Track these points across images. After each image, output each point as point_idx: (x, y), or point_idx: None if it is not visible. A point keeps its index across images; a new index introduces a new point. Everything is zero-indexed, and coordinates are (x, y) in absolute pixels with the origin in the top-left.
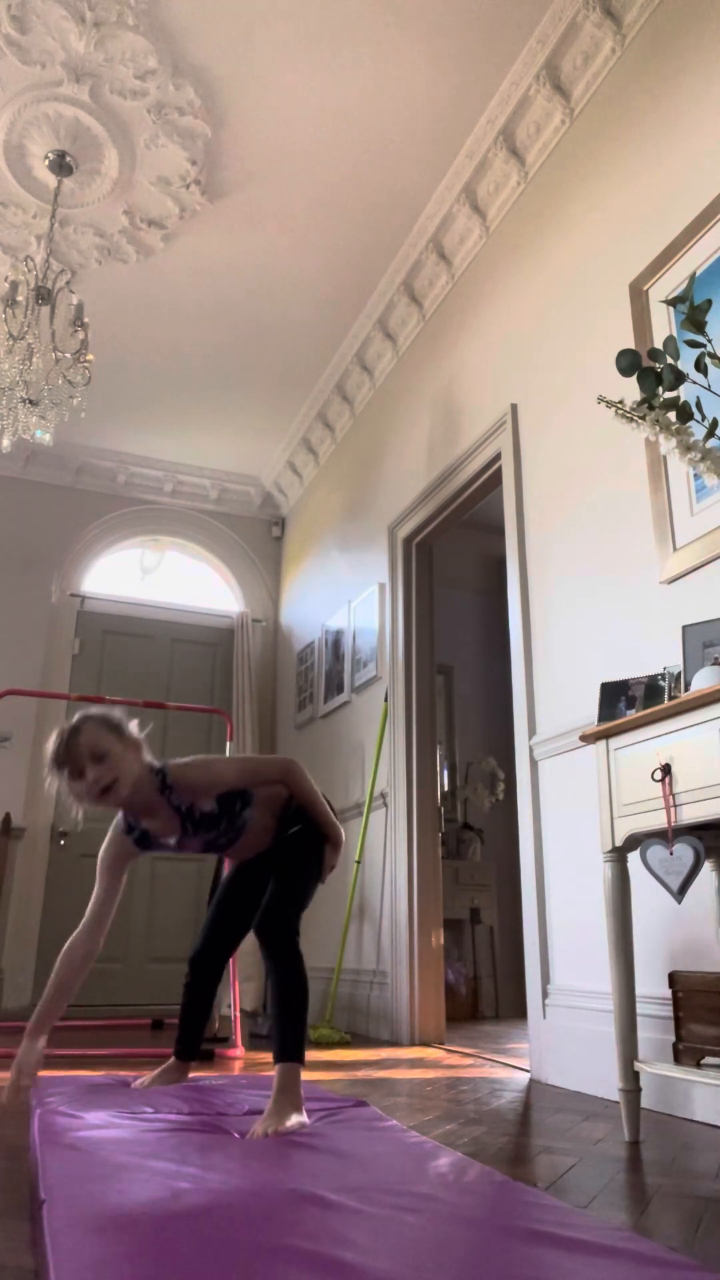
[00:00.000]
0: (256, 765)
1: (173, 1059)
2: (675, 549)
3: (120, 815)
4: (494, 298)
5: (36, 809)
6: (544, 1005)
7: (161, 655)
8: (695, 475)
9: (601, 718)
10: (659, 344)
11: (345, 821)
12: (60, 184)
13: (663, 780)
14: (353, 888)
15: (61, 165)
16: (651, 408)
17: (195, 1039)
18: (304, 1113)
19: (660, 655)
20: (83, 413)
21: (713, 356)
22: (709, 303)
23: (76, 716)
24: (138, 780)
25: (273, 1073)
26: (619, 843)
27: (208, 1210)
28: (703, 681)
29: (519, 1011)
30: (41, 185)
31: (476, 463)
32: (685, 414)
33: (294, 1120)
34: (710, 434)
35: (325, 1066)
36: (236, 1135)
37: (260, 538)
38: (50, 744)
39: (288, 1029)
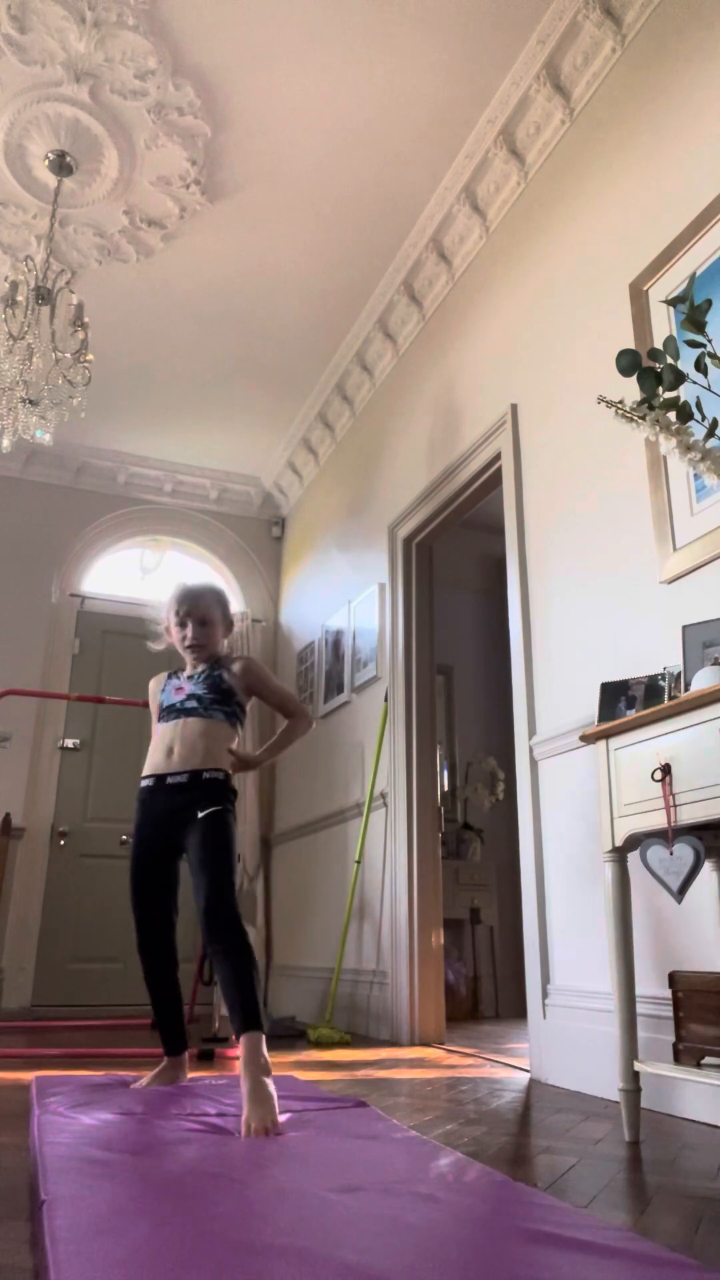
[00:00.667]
0: (287, 696)
1: (166, 1059)
2: (675, 549)
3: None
4: (494, 298)
5: (36, 809)
6: (544, 1005)
7: (161, 655)
8: (695, 475)
9: (601, 718)
10: (659, 344)
11: (345, 821)
12: (60, 184)
13: (663, 780)
14: (353, 888)
15: (61, 165)
16: (651, 408)
17: (179, 1030)
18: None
19: (660, 655)
20: (83, 413)
21: (713, 356)
22: (709, 303)
23: (203, 585)
24: (213, 652)
25: (283, 1074)
26: (619, 843)
27: (207, 1210)
28: (703, 681)
29: (519, 1011)
30: (41, 185)
31: (476, 463)
32: (685, 414)
33: (273, 1090)
34: (710, 434)
35: (325, 1066)
36: (236, 1134)
37: (260, 538)
38: (178, 589)
39: (250, 1001)
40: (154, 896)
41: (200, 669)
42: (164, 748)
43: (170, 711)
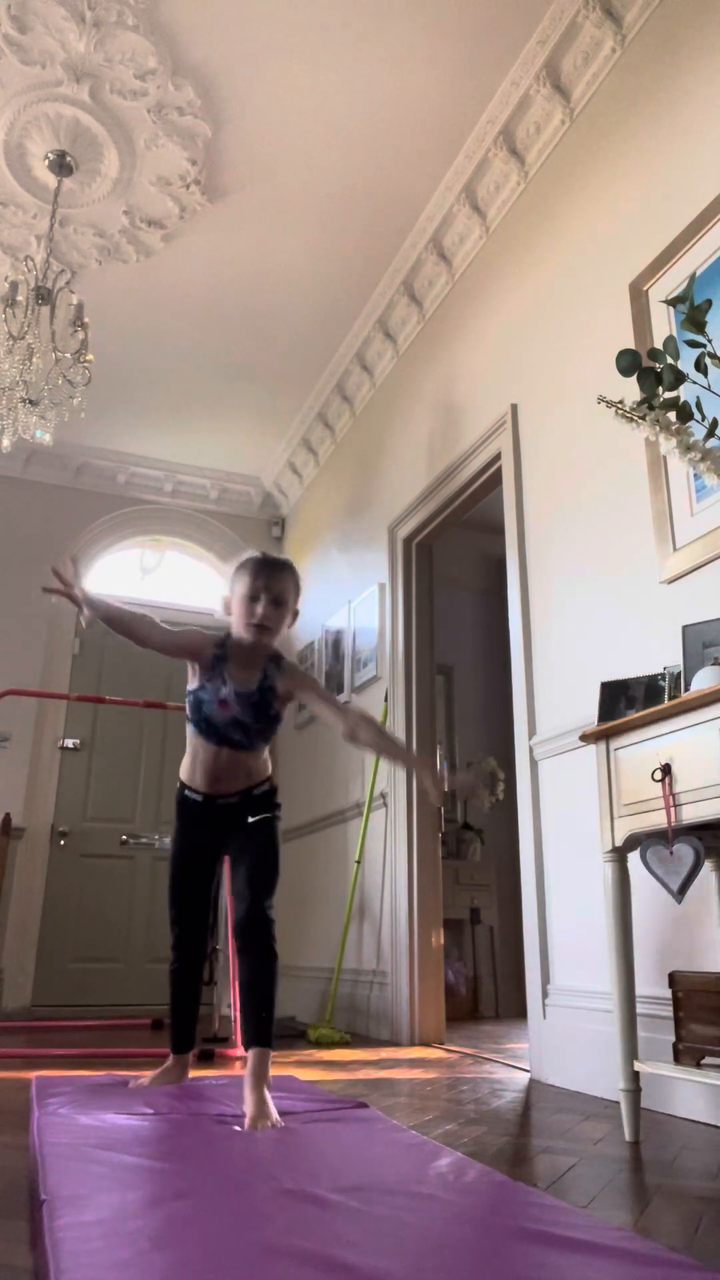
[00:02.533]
0: (331, 700)
1: (172, 1057)
2: (675, 549)
3: (208, 633)
4: (494, 298)
5: (36, 809)
6: (544, 1005)
7: (161, 655)
8: (695, 475)
9: (601, 718)
10: (659, 344)
11: (345, 821)
12: (60, 184)
13: (663, 780)
14: (353, 888)
15: (61, 165)
16: (651, 408)
17: (192, 1029)
18: None
19: (660, 655)
20: (83, 413)
21: (713, 356)
22: (709, 303)
23: (283, 560)
24: (272, 642)
25: (282, 1075)
26: (619, 843)
27: (208, 1210)
28: (703, 681)
29: (519, 1011)
30: (41, 185)
31: (476, 463)
32: (685, 414)
33: (274, 1108)
34: (710, 434)
35: (325, 1066)
36: (237, 1132)
37: (260, 538)
38: (254, 559)
39: (269, 1015)
40: (196, 894)
41: (251, 678)
42: (209, 774)
43: (210, 730)
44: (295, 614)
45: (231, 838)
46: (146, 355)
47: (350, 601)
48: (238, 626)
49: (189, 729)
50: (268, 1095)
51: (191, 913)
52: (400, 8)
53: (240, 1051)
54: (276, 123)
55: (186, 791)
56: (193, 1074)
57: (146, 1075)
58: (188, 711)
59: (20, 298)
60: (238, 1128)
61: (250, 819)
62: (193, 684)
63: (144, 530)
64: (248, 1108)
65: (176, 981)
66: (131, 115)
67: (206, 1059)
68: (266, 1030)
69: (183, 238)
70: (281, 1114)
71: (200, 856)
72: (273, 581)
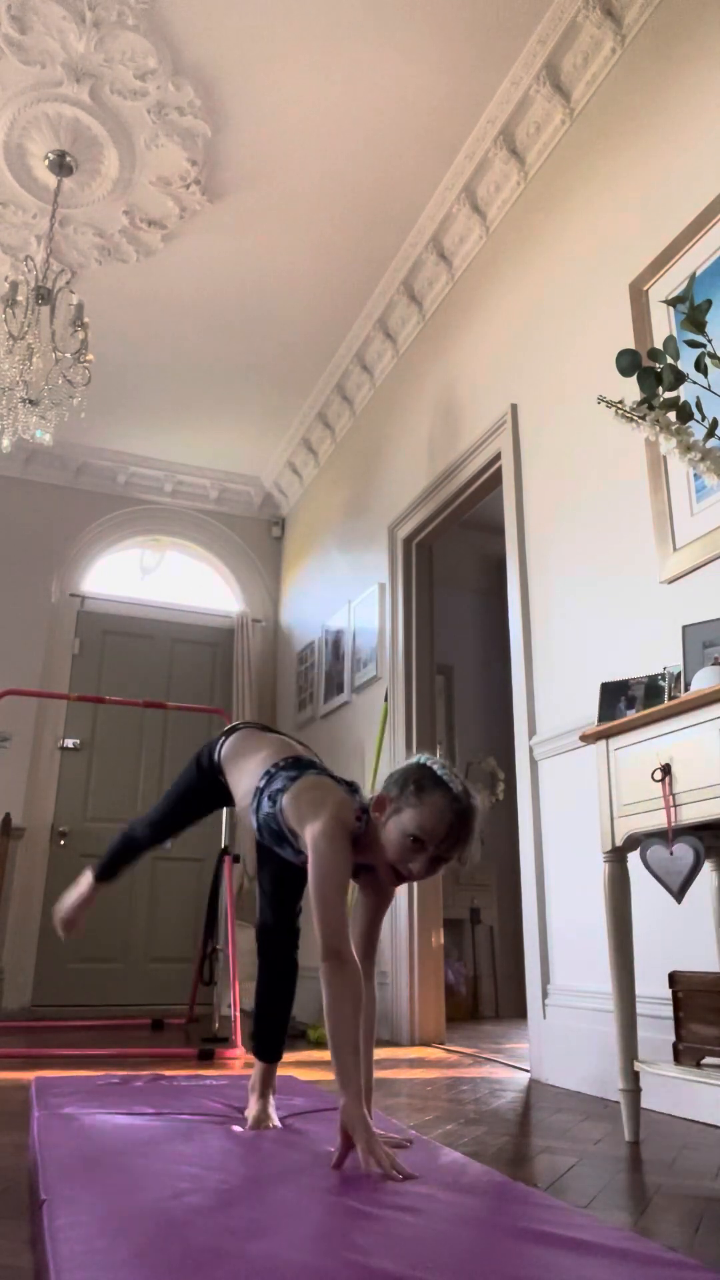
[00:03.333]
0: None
1: (89, 880)
2: (675, 549)
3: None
4: (494, 298)
5: (36, 809)
6: (544, 1005)
7: (161, 655)
8: (695, 475)
9: (601, 718)
10: (659, 344)
11: None
12: (60, 184)
13: (663, 780)
14: (352, 888)
15: (61, 165)
16: (651, 408)
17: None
18: None
19: (660, 655)
20: (83, 413)
21: (713, 356)
22: (709, 303)
23: (477, 803)
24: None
25: (283, 1075)
26: (619, 843)
27: (208, 1211)
28: (703, 681)
29: (519, 1011)
30: (41, 185)
31: (476, 463)
32: (685, 414)
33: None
34: (710, 434)
35: (325, 1066)
36: (238, 1133)
37: (260, 538)
38: (455, 804)
39: (285, 1030)
40: (187, 821)
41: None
42: None
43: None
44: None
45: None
46: (146, 355)
47: (350, 601)
48: (385, 852)
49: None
50: (272, 1101)
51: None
52: (400, 8)
53: (240, 1051)
54: (276, 123)
55: None
56: (192, 1073)
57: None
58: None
59: (20, 298)
60: (238, 1128)
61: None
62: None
63: (144, 530)
64: (251, 1112)
65: (132, 847)
66: (131, 115)
67: (206, 1059)
68: (283, 1043)
69: (183, 238)
70: (284, 1115)
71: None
72: (456, 850)
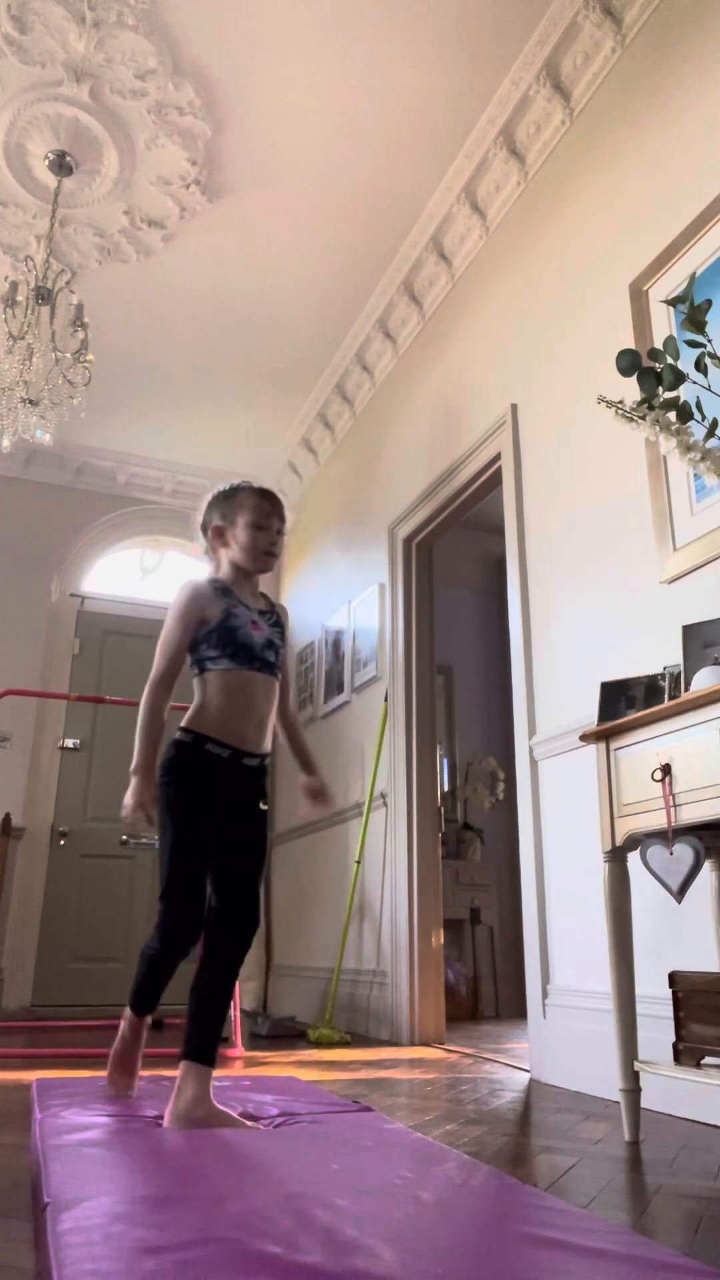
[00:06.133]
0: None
1: (131, 1017)
2: (675, 549)
3: (196, 584)
4: (494, 298)
5: (36, 809)
6: (544, 1005)
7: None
8: (695, 475)
9: (601, 718)
10: (659, 344)
11: (345, 821)
12: (60, 184)
13: (663, 780)
14: (353, 888)
15: (61, 165)
16: (651, 408)
17: (158, 996)
18: None
19: (660, 655)
20: (83, 413)
21: (713, 356)
22: (709, 303)
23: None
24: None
25: (283, 1075)
26: (619, 843)
27: (211, 1213)
28: (703, 681)
29: (519, 1011)
30: (41, 185)
31: (476, 463)
32: (685, 414)
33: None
34: (710, 434)
35: (325, 1066)
36: (240, 1134)
37: None
38: (251, 487)
39: (220, 1030)
40: (200, 877)
41: (263, 605)
42: (252, 714)
43: (249, 656)
44: None
45: (231, 814)
46: (146, 355)
47: (350, 601)
48: (243, 555)
49: (214, 670)
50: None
51: (194, 901)
52: (400, 8)
53: (240, 1051)
54: (276, 123)
55: (209, 746)
56: None
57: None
58: (215, 649)
59: (20, 298)
60: (252, 1124)
61: (261, 805)
62: (211, 625)
63: (144, 530)
64: (178, 1107)
65: (155, 967)
66: (131, 115)
67: None
68: (216, 1044)
69: (183, 238)
70: (284, 1116)
71: (207, 828)
72: (278, 507)
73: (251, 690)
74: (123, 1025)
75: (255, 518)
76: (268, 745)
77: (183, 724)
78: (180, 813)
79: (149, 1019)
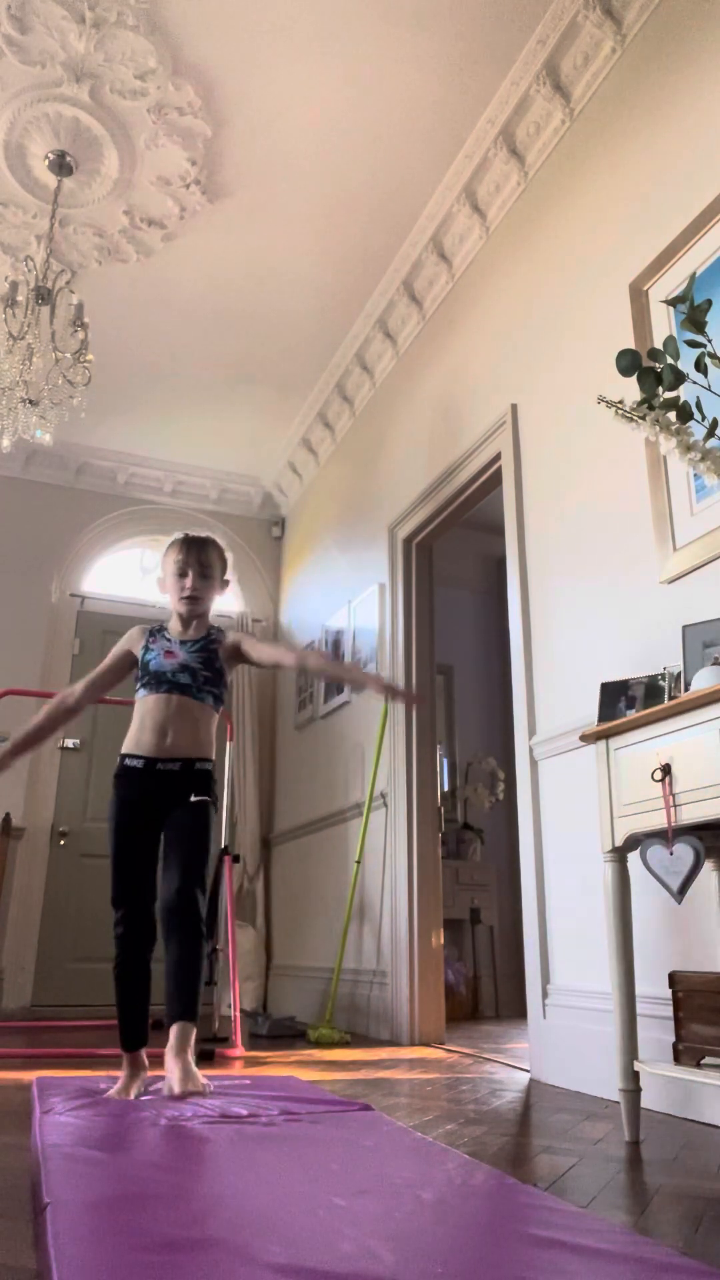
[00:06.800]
0: (276, 646)
1: (126, 1057)
2: (675, 549)
3: (135, 628)
4: (494, 297)
5: (36, 809)
6: (544, 1005)
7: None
8: (695, 475)
9: (601, 718)
10: (659, 344)
11: (345, 821)
12: (60, 184)
13: (663, 780)
14: (353, 888)
15: (61, 165)
16: (651, 408)
17: (144, 1026)
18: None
19: (660, 655)
20: (83, 413)
21: (713, 356)
22: (709, 303)
23: (206, 535)
24: (206, 610)
25: (283, 1075)
26: (619, 843)
27: (212, 1213)
28: (703, 681)
29: (519, 1011)
30: (41, 185)
31: (476, 463)
32: (685, 414)
33: (202, 1078)
34: (710, 434)
35: (325, 1066)
36: (241, 1134)
37: (260, 538)
38: (180, 537)
39: (190, 992)
40: (138, 878)
41: (192, 635)
42: (155, 727)
43: (159, 681)
44: (224, 584)
45: (168, 815)
46: (146, 355)
47: (350, 601)
48: (172, 602)
49: (137, 698)
50: (191, 1061)
51: (135, 900)
52: (400, 8)
53: (240, 1051)
54: (277, 122)
55: (126, 761)
56: None
57: (121, 1084)
58: (139, 681)
59: (20, 298)
60: (246, 1122)
61: (192, 797)
62: (139, 661)
63: (144, 530)
64: (172, 1075)
65: (122, 979)
66: (131, 115)
67: (206, 1059)
68: (191, 1007)
69: (183, 238)
70: (284, 1115)
71: (140, 834)
72: (199, 555)
73: (160, 708)
74: (124, 1066)
75: (173, 569)
76: (190, 752)
77: None
78: (115, 823)
79: (143, 1053)
